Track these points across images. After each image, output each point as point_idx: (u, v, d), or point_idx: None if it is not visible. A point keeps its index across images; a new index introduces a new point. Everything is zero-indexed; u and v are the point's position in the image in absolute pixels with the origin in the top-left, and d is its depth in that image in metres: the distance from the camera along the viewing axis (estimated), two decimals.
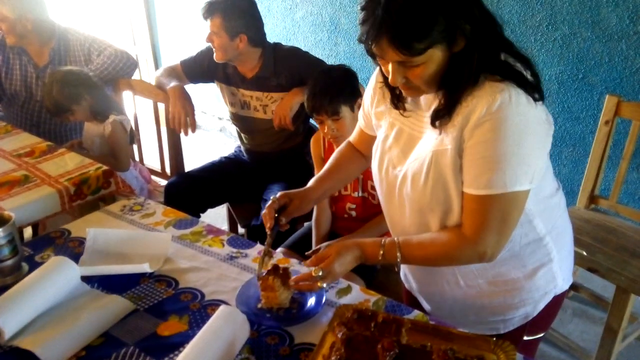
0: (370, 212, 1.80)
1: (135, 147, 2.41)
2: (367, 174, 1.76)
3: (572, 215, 2.08)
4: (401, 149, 1.15)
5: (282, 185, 2.14)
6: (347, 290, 1.24)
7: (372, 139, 1.27)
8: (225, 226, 2.53)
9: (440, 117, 1.04)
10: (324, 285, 1.10)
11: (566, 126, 2.52)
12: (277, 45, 2.15)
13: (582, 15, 2.31)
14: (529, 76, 1.01)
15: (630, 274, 1.80)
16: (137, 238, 1.40)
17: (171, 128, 2.21)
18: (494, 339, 1.02)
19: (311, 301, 1.17)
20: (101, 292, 1.22)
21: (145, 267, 1.26)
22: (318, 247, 1.73)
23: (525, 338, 1.28)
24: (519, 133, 0.98)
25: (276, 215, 1.25)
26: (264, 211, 1.25)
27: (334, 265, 1.10)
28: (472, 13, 0.95)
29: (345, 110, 1.69)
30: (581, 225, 2.03)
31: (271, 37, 2.20)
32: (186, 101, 2.12)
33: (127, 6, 4.14)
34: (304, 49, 2.20)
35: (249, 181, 2.28)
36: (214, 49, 2.05)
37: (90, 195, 1.64)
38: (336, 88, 1.69)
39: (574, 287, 2.32)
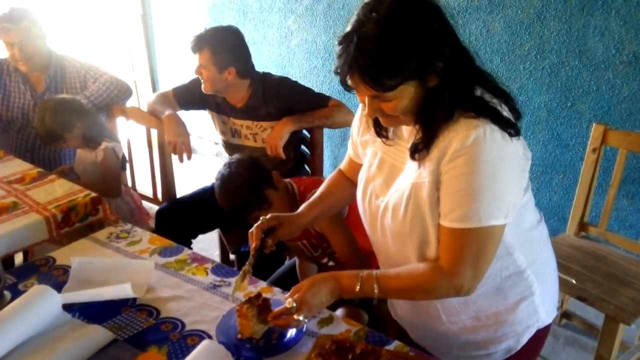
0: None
1: (127, 172, 2.43)
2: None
3: (562, 242, 2.11)
4: (384, 178, 1.17)
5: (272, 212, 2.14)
6: (328, 321, 1.23)
7: (360, 167, 1.28)
8: (217, 252, 2.53)
9: (419, 150, 1.05)
10: (300, 318, 1.09)
11: (556, 153, 2.54)
12: (265, 75, 2.18)
13: (570, 44, 2.35)
14: (505, 112, 1.02)
15: (620, 302, 1.79)
16: (121, 266, 1.41)
17: (166, 154, 2.23)
18: None
19: (291, 331, 1.17)
20: (81, 321, 1.22)
21: (127, 289, 1.26)
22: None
23: None
24: (493, 168, 0.99)
25: (263, 236, 1.26)
26: (251, 230, 1.26)
27: (306, 295, 1.10)
28: (443, 51, 0.97)
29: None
30: (571, 252, 2.02)
31: (267, 64, 2.24)
32: (181, 128, 2.14)
33: (126, 32, 4.21)
34: (298, 76, 2.24)
35: None
36: (202, 80, 2.08)
37: (78, 222, 1.65)
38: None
39: (566, 315, 2.31)
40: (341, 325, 1.21)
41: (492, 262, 1.07)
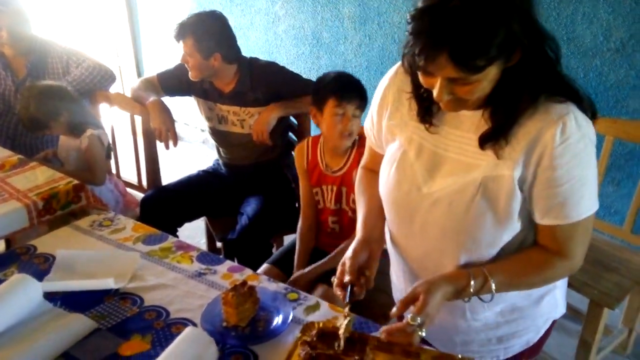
0: (350, 227, 1.79)
1: (112, 159, 2.39)
2: (351, 187, 1.76)
3: None
4: (425, 167, 1.06)
5: (260, 198, 2.13)
6: (315, 307, 1.22)
7: (382, 157, 1.18)
8: (203, 240, 2.51)
9: (494, 139, 0.95)
10: (423, 334, 0.96)
11: None
12: (253, 60, 2.15)
13: (558, 32, 2.34)
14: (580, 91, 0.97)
15: (604, 287, 1.81)
16: (105, 257, 1.38)
17: (151, 141, 2.20)
18: (460, 356, 1.01)
19: (277, 319, 1.16)
20: (63, 310, 1.20)
21: (110, 282, 1.24)
22: (292, 280, 1.68)
23: None
24: (590, 155, 0.96)
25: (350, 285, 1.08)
26: (335, 284, 1.09)
27: (429, 307, 0.96)
28: (532, 24, 0.87)
29: (361, 115, 1.70)
30: None
31: (254, 50, 2.21)
32: (166, 115, 2.11)
33: (110, 17, 4.13)
34: (286, 62, 2.21)
35: (226, 194, 2.27)
36: (188, 68, 2.05)
37: (60, 210, 1.62)
38: (361, 88, 1.71)
39: None
40: (329, 312, 1.20)
41: None
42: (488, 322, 1.15)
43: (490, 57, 0.85)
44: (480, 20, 0.83)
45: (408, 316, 0.96)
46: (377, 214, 1.20)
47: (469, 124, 1.01)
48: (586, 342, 1.87)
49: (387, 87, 1.15)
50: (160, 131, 2.09)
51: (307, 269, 1.71)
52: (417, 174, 1.06)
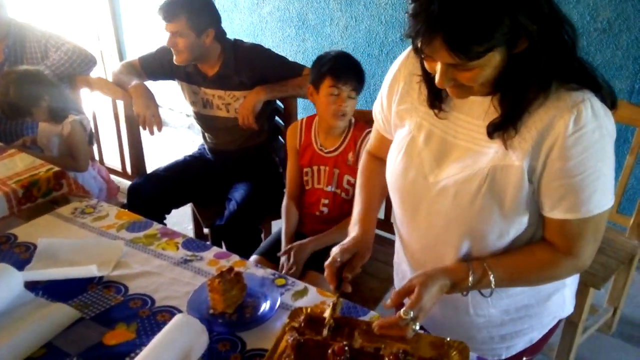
0: (340, 210, 1.78)
1: (95, 146, 2.34)
2: (345, 169, 1.75)
3: None
4: (434, 155, 1.02)
5: (248, 184, 2.11)
6: (303, 293, 1.21)
7: (390, 142, 1.15)
8: (190, 226, 2.49)
9: (503, 128, 0.91)
10: (417, 328, 0.93)
11: None
12: (237, 42, 2.10)
13: None
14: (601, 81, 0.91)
15: (590, 268, 1.80)
16: (88, 245, 1.35)
17: (134, 127, 2.15)
18: (448, 339, 1.00)
19: (265, 305, 1.15)
20: (45, 300, 1.17)
21: (93, 269, 1.22)
22: (289, 247, 1.68)
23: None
24: (606, 147, 0.90)
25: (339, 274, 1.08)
26: (325, 273, 1.07)
27: (423, 300, 0.93)
28: (542, 11, 0.83)
29: (357, 97, 1.70)
30: None
31: (238, 32, 2.17)
32: (149, 100, 2.06)
33: (91, 1, 4.03)
34: (271, 45, 2.17)
35: (213, 181, 2.24)
36: (175, 52, 1.98)
37: (41, 197, 1.58)
38: (360, 70, 1.70)
39: None
40: (317, 297, 1.19)
41: None
42: (492, 319, 1.12)
43: (489, 44, 0.81)
44: (480, 7, 0.79)
45: (401, 311, 0.93)
46: (374, 213, 1.19)
47: (479, 110, 0.97)
48: (572, 321, 1.89)
49: (398, 70, 1.10)
50: (143, 117, 2.04)
51: (305, 240, 1.70)
52: (424, 162, 1.03)
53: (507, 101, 0.91)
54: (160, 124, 2.07)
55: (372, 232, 1.15)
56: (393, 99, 1.11)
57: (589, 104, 0.88)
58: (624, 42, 2.20)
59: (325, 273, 1.06)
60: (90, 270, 1.23)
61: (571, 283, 1.17)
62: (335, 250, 1.09)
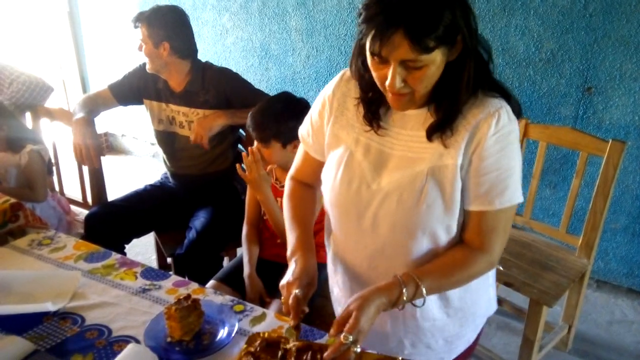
0: None
1: (54, 176, 2.32)
2: None
3: None
4: (373, 165, 1.10)
5: (209, 211, 2.12)
6: (261, 318, 1.23)
7: (322, 166, 1.20)
8: (154, 256, 2.47)
9: (441, 130, 1.02)
10: (358, 350, 0.97)
11: None
12: (207, 63, 2.17)
13: (493, 42, 2.46)
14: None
15: (542, 286, 1.90)
16: (44, 277, 1.35)
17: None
18: (400, 358, 1.04)
19: (222, 332, 1.16)
20: None
21: (49, 306, 1.21)
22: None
23: None
24: (517, 148, 1.03)
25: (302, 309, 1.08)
26: (291, 304, 1.06)
27: (360, 323, 0.97)
28: (469, 19, 0.95)
29: (274, 144, 1.68)
30: None
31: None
32: (88, 132, 2.07)
33: (52, 29, 4.02)
34: None
35: (175, 208, 2.24)
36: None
37: None
38: (272, 119, 1.67)
39: (497, 301, 2.42)
40: (273, 322, 1.21)
41: None
42: (436, 323, 1.19)
43: (438, 36, 0.91)
44: (428, 1, 0.90)
45: (341, 337, 0.96)
46: (312, 238, 1.21)
47: (415, 122, 1.07)
48: (528, 339, 1.95)
49: (331, 93, 1.17)
50: (79, 150, 2.05)
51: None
52: (365, 172, 1.10)
53: (443, 106, 1.01)
54: (95, 159, 2.08)
55: (315, 257, 1.17)
56: (327, 120, 1.17)
57: (505, 110, 1.01)
58: (567, 71, 2.34)
59: (292, 313, 1.06)
60: (45, 307, 1.22)
61: (492, 283, 1.26)
62: (287, 284, 1.09)
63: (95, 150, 2.06)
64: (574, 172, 2.02)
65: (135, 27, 2.05)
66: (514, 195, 1.04)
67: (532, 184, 2.14)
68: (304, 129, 1.25)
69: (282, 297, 1.09)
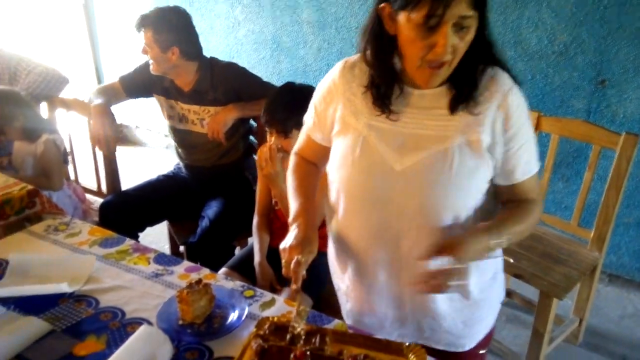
0: None
1: (70, 165, 2.36)
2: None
3: None
4: (392, 147, 1.08)
5: (221, 201, 2.15)
6: (270, 303, 1.25)
7: (326, 150, 1.21)
8: (167, 245, 2.50)
9: (464, 100, 1.03)
10: (463, 265, 0.98)
11: None
12: (213, 60, 2.17)
13: (506, 35, 2.45)
14: None
15: (553, 278, 1.89)
16: (60, 261, 1.38)
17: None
18: (407, 344, 1.05)
19: (233, 315, 1.18)
20: (17, 314, 1.19)
21: (64, 287, 1.24)
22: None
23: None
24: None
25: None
26: (292, 268, 1.08)
27: (466, 252, 0.99)
28: None
29: (295, 134, 1.68)
30: None
31: (214, 54, 2.22)
32: (106, 119, 2.10)
33: (68, 22, 4.07)
34: (247, 66, 2.23)
35: (187, 198, 2.27)
36: (150, 62, 2.05)
37: (14, 215, 1.60)
38: (292, 109, 1.66)
39: (507, 293, 2.42)
40: (283, 307, 1.23)
41: None
42: (455, 304, 1.17)
43: None
44: None
45: (441, 263, 0.98)
46: (314, 208, 1.21)
47: (431, 100, 1.07)
48: (538, 331, 1.95)
49: (337, 81, 1.17)
50: (97, 137, 2.07)
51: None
52: (384, 155, 1.08)
53: (461, 77, 1.03)
54: (113, 145, 2.11)
55: (316, 224, 1.19)
56: (335, 107, 1.16)
57: (516, 85, 1.06)
58: (580, 64, 2.32)
59: (293, 277, 1.07)
60: (61, 288, 1.26)
61: (501, 269, 1.27)
62: (288, 248, 1.10)
63: (112, 137, 2.08)
64: (587, 166, 2.01)
65: (139, 31, 2.01)
66: (537, 157, 1.13)
67: (545, 177, 2.13)
68: (308, 117, 1.26)
69: (282, 261, 1.10)
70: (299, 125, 1.67)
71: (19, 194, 1.61)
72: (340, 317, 1.29)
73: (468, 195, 1.08)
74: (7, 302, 1.22)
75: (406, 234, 1.10)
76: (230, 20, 3.36)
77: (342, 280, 1.29)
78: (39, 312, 1.20)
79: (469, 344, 1.24)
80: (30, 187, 1.65)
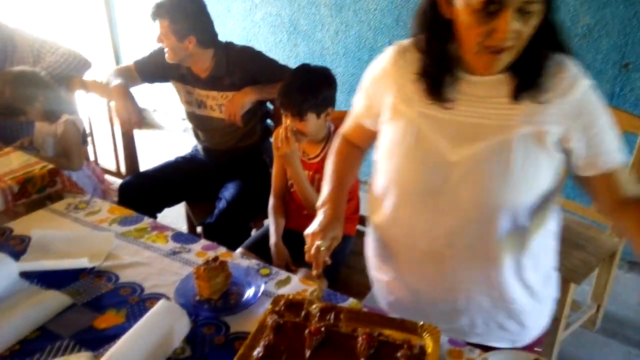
0: None
1: (89, 147, 2.40)
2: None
3: None
4: (447, 137, 1.04)
5: (239, 183, 2.16)
6: (286, 282, 1.26)
7: (373, 134, 1.19)
8: (184, 226, 2.54)
9: (529, 86, 0.98)
10: None
11: None
12: (229, 45, 2.16)
13: None
14: None
15: (571, 264, 1.88)
16: (81, 237, 1.40)
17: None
18: (421, 323, 1.05)
19: (249, 292, 1.20)
20: (39, 287, 1.22)
21: (85, 262, 1.27)
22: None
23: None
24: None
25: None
26: (313, 254, 1.07)
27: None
28: None
29: (310, 116, 1.69)
30: None
31: (231, 38, 2.21)
32: (127, 100, 2.11)
33: (87, 7, 4.10)
34: (264, 49, 2.22)
35: (205, 180, 2.29)
36: (165, 50, 2.06)
37: (36, 193, 1.63)
38: (307, 92, 1.66)
39: None
40: (298, 286, 1.24)
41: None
42: (515, 304, 1.12)
43: None
44: None
45: None
46: (345, 194, 1.21)
47: (490, 87, 1.01)
48: (555, 317, 1.94)
49: (387, 66, 1.13)
50: (122, 118, 2.11)
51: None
52: (440, 146, 1.04)
53: (525, 64, 0.97)
54: (139, 124, 2.13)
55: (343, 212, 1.17)
56: (387, 92, 1.12)
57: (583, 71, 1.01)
58: (604, 47, 2.27)
59: (314, 263, 1.07)
60: (82, 262, 1.29)
61: (557, 267, 1.22)
62: (312, 233, 1.10)
63: (136, 116, 2.10)
64: None
65: (154, 20, 2.00)
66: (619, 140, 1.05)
67: None
68: (357, 101, 1.23)
69: (306, 246, 1.09)
70: (314, 107, 1.68)
71: (40, 173, 1.64)
72: (355, 296, 1.29)
73: (528, 190, 1.01)
74: (30, 276, 1.26)
75: (459, 229, 1.06)
76: (247, 3, 3.34)
77: (384, 273, 1.25)
78: (60, 286, 1.23)
79: (521, 341, 1.20)
80: (51, 166, 1.68)
